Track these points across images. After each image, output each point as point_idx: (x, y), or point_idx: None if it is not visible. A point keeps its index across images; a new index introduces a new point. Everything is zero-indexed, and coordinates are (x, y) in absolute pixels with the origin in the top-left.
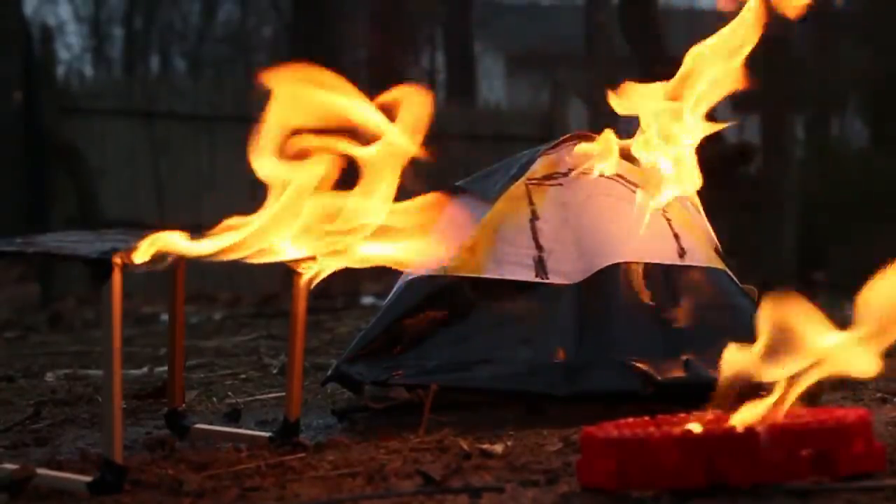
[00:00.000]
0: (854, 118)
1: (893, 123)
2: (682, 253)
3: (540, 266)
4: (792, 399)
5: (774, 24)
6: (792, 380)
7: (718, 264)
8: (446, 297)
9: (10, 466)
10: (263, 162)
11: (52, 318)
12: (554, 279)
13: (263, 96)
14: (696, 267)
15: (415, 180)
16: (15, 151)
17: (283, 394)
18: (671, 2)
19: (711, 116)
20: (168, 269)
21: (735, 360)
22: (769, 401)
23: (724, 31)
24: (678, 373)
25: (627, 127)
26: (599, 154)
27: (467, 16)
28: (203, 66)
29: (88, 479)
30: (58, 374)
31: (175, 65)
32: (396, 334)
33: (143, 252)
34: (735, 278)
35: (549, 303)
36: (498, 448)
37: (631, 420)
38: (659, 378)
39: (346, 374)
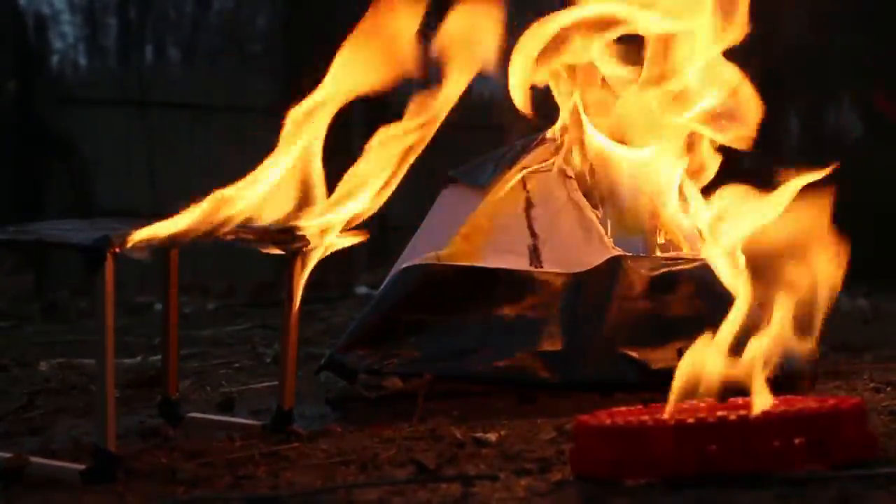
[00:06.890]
0: (851, 109)
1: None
2: None
3: (534, 254)
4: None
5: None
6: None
7: None
8: (441, 285)
9: (3, 455)
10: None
11: (47, 308)
12: (548, 267)
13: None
14: (688, 257)
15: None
16: (9, 141)
17: (277, 383)
18: None
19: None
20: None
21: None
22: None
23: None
24: (671, 362)
25: None
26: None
27: None
28: (198, 55)
29: (82, 467)
30: (51, 364)
31: (170, 54)
32: (390, 323)
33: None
34: None
35: (542, 292)
36: (491, 437)
37: (624, 409)
38: (652, 367)
39: (339, 363)
